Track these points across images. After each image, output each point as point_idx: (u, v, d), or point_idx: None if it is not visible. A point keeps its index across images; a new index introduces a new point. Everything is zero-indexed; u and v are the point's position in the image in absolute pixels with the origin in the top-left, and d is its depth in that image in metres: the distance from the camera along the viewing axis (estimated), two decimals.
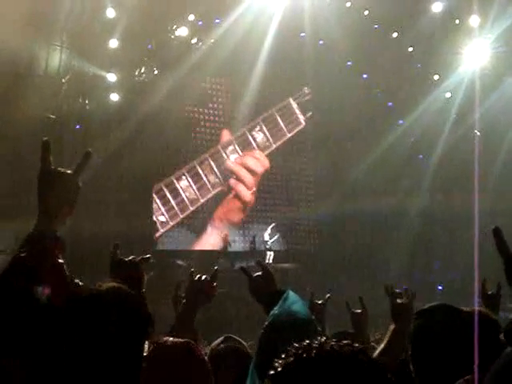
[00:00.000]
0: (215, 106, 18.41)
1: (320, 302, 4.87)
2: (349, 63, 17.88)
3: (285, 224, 18.42)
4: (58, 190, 2.54)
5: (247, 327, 9.53)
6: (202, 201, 17.83)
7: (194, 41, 16.88)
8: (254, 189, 18.07)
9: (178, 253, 17.06)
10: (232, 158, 18.20)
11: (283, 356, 1.90)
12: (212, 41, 16.62)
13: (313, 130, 18.62)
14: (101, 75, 16.00)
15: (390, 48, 17.33)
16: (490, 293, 4.46)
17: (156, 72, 17.02)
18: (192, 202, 17.73)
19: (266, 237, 17.89)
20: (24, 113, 14.81)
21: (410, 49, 17.60)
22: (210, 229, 17.93)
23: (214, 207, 18.10)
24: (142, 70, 16.80)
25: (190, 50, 16.66)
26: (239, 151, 18.28)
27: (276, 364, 1.89)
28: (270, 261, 17.60)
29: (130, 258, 3.67)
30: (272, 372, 1.87)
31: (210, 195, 17.92)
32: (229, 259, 17.45)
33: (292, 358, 1.88)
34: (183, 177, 17.75)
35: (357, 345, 1.94)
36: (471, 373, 2.87)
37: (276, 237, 17.96)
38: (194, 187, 17.81)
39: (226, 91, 18.34)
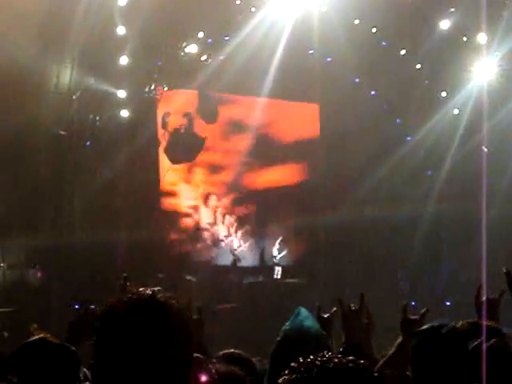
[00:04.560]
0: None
1: (326, 315, 4.84)
2: (357, 80, 17.97)
3: (293, 237, 18.40)
4: None
5: (256, 341, 9.56)
6: None
7: (203, 58, 16.99)
8: None
9: (188, 267, 17.08)
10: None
11: (286, 372, 1.94)
12: (221, 58, 16.73)
13: (321, 144, 18.66)
14: (111, 92, 16.12)
15: (398, 65, 17.43)
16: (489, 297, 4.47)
17: (166, 88, 17.15)
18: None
19: (275, 252, 17.93)
20: (34, 129, 14.94)
21: (418, 66, 17.66)
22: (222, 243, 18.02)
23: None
24: (152, 87, 16.93)
25: (199, 66, 16.77)
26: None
27: (280, 381, 1.94)
28: (279, 276, 17.66)
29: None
30: None
31: None
32: (237, 274, 17.50)
33: (295, 376, 1.92)
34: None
35: (362, 361, 1.98)
36: None
37: (284, 252, 18.00)
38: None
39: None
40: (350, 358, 1.96)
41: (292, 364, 1.96)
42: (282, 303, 14.95)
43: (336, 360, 1.93)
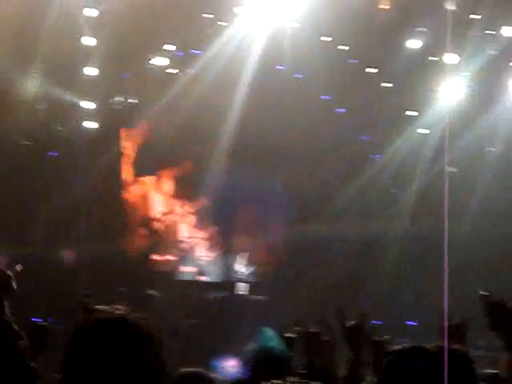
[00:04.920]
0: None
1: (289, 335, 4.72)
2: (326, 97, 17.96)
3: (259, 252, 18.26)
4: None
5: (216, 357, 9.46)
6: None
7: (172, 71, 16.90)
8: None
9: (151, 282, 16.86)
10: None
11: None
12: (191, 72, 16.63)
13: (292, 159, 18.54)
14: (77, 103, 15.99)
15: (366, 83, 17.47)
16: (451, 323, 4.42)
17: (133, 100, 17.04)
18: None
19: (239, 267, 17.79)
20: None
21: (387, 84, 17.72)
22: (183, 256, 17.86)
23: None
24: (120, 99, 16.80)
25: (168, 79, 16.67)
26: None
27: None
28: (245, 292, 17.48)
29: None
30: None
31: None
32: (201, 289, 17.33)
33: None
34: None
35: None
36: None
37: (249, 267, 17.86)
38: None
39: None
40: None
41: None
42: (245, 320, 14.83)
43: None
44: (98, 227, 16.25)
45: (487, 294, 3.82)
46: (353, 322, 4.48)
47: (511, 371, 3.52)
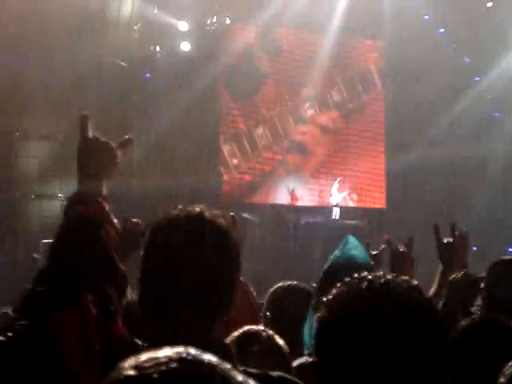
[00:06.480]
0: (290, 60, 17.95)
1: (375, 252, 4.81)
2: (426, 17, 17.37)
3: (353, 177, 18.01)
4: (97, 156, 2.77)
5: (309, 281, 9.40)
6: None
7: None
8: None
9: (245, 206, 16.75)
10: (309, 114, 17.86)
11: (338, 285, 1.87)
12: None
13: (386, 82, 18.13)
14: (172, 23, 15.92)
15: (468, 2, 16.82)
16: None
17: (228, 22, 16.84)
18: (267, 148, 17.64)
19: (334, 192, 17.58)
20: (95, 60, 14.84)
21: (489, 4, 17.04)
22: (278, 182, 17.70)
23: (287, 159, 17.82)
24: (214, 20, 16.61)
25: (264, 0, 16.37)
26: (317, 109, 17.93)
27: (324, 299, 1.87)
28: (337, 217, 17.33)
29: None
30: (326, 300, 1.85)
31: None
32: (296, 214, 17.23)
33: (345, 288, 1.85)
34: (260, 125, 17.55)
35: (414, 282, 1.86)
36: None
37: (344, 193, 17.64)
38: (270, 137, 17.60)
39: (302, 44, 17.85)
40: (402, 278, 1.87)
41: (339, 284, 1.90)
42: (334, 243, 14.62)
43: (385, 278, 1.83)
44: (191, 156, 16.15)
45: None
46: (402, 249, 4.61)
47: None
